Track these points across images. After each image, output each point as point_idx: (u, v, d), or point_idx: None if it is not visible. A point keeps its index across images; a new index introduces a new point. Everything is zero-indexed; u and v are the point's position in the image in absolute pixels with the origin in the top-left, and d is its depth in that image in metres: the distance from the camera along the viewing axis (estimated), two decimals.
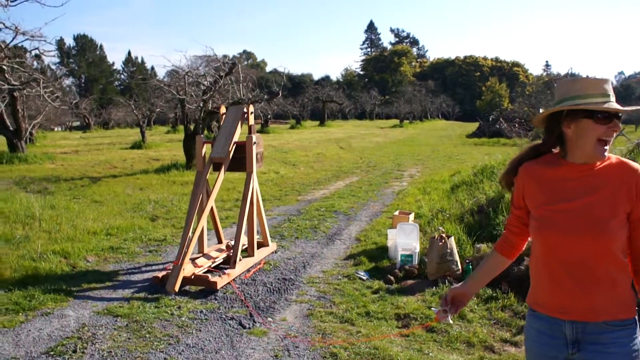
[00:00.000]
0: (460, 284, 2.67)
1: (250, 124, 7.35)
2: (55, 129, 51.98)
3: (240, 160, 7.12)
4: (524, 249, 2.62)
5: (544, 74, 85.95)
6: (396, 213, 8.67)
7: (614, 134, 2.21)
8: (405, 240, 7.06)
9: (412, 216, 8.46)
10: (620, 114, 2.19)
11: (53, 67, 48.44)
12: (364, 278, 6.58)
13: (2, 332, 4.96)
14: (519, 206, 2.47)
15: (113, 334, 4.94)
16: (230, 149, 7.00)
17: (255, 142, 7.11)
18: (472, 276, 2.67)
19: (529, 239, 2.49)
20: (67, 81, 69.09)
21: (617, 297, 2.23)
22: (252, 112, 7.40)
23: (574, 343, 2.25)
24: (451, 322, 2.61)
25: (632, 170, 2.21)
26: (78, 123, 59.43)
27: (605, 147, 2.19)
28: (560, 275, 2.27)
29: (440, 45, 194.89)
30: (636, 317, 2.25)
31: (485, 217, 7.83)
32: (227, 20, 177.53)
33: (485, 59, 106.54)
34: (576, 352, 2.25)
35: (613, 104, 2.15)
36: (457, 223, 8.03)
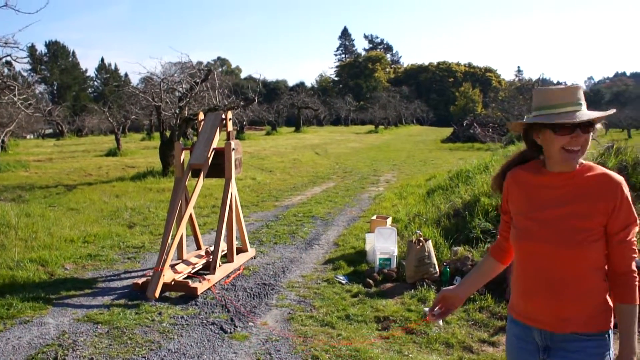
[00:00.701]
0: (452, 286, 2.67)
1: (228, 130, 7.39)
2: (28, 137, 51.24)
3: (219, 167, 7.15)
4: None
5: (516, 79, 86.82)
6: (374, 217, 8.76)
7: (582, 143, 2.17)
8: (383, 244, 7.14)
9: (389, 220, 8.55)
10: (592, 122, 2.19)
11: (24, 74, 47.85)
12: (343, 282, 6.64)
13: None
14: (505, 211, 2.49)
15: (94, 340, 4.93)
16: (209, 155, 7.03)
17: (234, 148, 7.15)
18: (466, 279, 2.68)
19: None
20: (40, 88, 68.20)
21: (588, 310, 2.21)
22: (230, 119, 7.44)
23: (544, 349, 2.29)
24: (441, 324, 2.63)
25: (614, 182, 2.18)
26: (51, 130, 58.65)
27: (574, 156, 2.17)
28: (534, 284, 2.29)
29: (414, 51, 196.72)
30: (610, 332, 2.24)
31: (461, 220, 7.95)
32: (201, 26, 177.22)
33: (458, 64, 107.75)
34: (547, 358, 2.29)
35: (580, 113, 2.16)
36: (434, 226, 8.14)
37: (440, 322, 2.65)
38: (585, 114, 2.17)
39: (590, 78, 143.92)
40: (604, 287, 2.24)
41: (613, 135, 45.71)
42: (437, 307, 2.61)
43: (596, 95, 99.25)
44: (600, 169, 2.23)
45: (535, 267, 2.27)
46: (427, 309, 2.71)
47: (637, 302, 2.18)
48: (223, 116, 7.35)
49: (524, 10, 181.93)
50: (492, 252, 2.64)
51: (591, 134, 2.21)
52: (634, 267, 2.19)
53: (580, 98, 2.21)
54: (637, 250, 2.22)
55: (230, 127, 7.41)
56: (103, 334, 5.08)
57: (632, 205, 2.18)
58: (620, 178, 2.19)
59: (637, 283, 2.19)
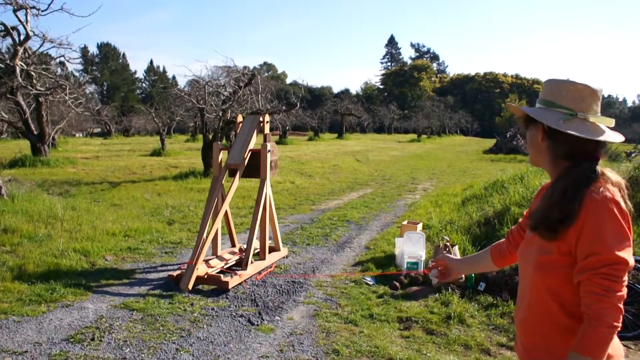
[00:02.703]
0: (454, 257, 2.65)
1: (265, 132, 7.65)
2: (77, 135, 52.76)
3: (254, 167, 7.42)
4: (511, 264, 2.51)
5: None
6: (405, 223, 8.90)
7: (532, 144, 2.09)
8: (411, 249, 7.29)
9: (420, 226, 8.68)
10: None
11: (76, 74, 49.38)
12: (370, 283, 6.82)
13: (25, 320, 5.29)
14: (526, 216, 2.29)
15: (129, 325, 5.24)
16: (245, 156, 7.30)
17: (269, 150, 7.41)
18: (466, 259, 2.68)
19: None
20: (90, 88, 70.15)
21: (555, 345, 1.94)
22: (267, 122, 7.71)
23: None
24: (435, 280, 2.71)
25: (587, 200, 1.85)
26: (99, 130, 60.28)
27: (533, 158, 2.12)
28: (518, 301, 2.16)
29: (461, 61, 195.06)
30: None
31: (490, 229, 8.06)
32: (248, 31, 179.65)
33: (505, 75, 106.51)
34: None
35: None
36: (463, 234, 8.26)
37: (435, 280, 2.71)
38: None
39: None
40: (567, 326, 1.91)
41: None
42: (436, 267, 2.63)
43: None
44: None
45: (521, 285, 2.15)
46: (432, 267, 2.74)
47: (588, 356, 1.77)
48: (261, 119, 7.61)
49: (575, 21, 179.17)
50: (492, 249, 2.52)
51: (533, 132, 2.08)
52: (598, 310, 1.77)
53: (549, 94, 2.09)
54: (609, 291, 1.76)
55: (267, 129, 7.67)
56: (137, 320, 5.38)
57: (614, 233, 1.80)
58: (602, 195, 1.83)
59: (601, 333, 1.76)
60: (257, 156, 7.40)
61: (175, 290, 6.29)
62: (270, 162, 7.50)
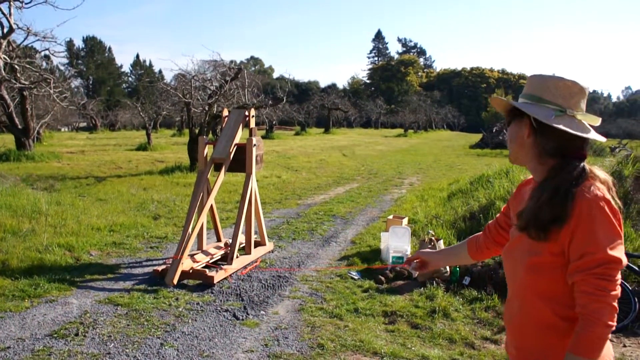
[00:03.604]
0: (430, 251, 2.66)
1: (251, 127, 7.64)
2: (62, 129, 52.43)
3: (240, 162, 7.40)
4: (486, 259, 2.51)
5: None
6: (390, 217, 8.93)
7: (515, 140, 2.05)
8: (397, 243, 7.32)
9: (405, 220, 8.71)
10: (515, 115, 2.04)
11: (62, 67, 48.95)
12: (356, 278, 6.84)
13: (9, 316, 5.26)
14: (505, 212, 2.32)
15: (113, 320, 5.23)
16: (230, 150, 7.28)
17: (255, 145, 7.40)
18: (442, 251, 2.70)
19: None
20: (75, 82, 69.65)
21: (549, 347, 1.92)
22: (253, 116, 7.70)
23: None
24: (415, 273, 2.72)
25: (579, 198, 1.82)
26: (85, 124, 59.84)
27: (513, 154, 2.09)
28: (508, 301, 2.14)
29: (448, 56, 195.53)
30: None
31: (476, 223, 8.10)
32: (236, 25, 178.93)
33: (491, 70, 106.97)
34: None
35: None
36: (449, 228, 8.31)
37: (415, 273, 2.71)
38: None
39: (628, 88, 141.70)
40: (561, 327, 1.89)
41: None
42: (414, 261, 2.62)
43: (633, 106, 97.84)
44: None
45: (509, 287, 2.12)
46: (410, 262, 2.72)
47: (585, 357, 1.75)
48: (246, 113, 7.60)
49: (561, 17, 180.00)
50: (469, 242, 2.51)
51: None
52: (594, 310, 1.75)
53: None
54: (604, 291, 1.75)
55: (252, 124, 7.66)
56: (122, 315, 5.36)
57: (607, 232, 1.79)
58: (593, 194, 1.82)
59: (598, 333, 1.74)
60: (243, 151, 7.39)
61: (160, 285, 6.27)
62: (256, 156, 7.50)
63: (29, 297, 5.77)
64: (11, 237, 7.90)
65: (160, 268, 6.59)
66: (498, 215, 2.37)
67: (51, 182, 13.67)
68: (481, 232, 2.46)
